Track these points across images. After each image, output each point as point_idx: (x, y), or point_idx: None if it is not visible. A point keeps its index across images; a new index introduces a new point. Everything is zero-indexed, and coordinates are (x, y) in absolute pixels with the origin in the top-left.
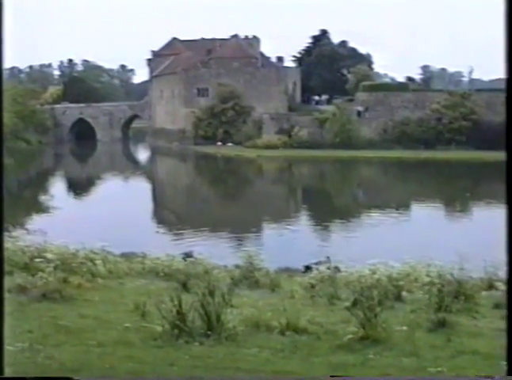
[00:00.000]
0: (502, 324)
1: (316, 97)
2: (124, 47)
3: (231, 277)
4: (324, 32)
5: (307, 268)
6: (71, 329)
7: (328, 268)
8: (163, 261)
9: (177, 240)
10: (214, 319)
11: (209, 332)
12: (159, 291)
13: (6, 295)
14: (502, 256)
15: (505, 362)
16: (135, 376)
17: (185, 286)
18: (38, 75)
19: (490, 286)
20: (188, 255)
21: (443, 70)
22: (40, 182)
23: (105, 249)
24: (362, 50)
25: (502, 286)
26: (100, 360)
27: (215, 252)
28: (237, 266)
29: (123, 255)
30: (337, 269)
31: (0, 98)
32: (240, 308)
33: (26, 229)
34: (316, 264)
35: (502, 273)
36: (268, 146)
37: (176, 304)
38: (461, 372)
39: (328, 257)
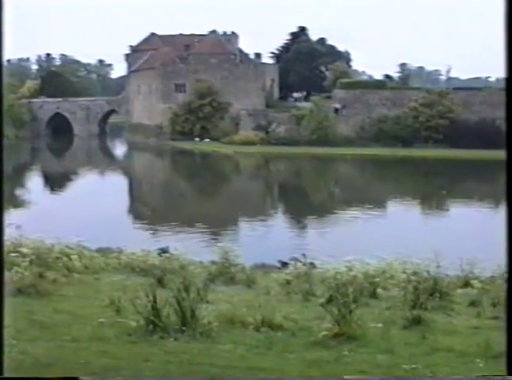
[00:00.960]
0: (477, 322)
1: (294, 94)
2: (102, 41)
3: (207, 273)
4: (303, 29)
5: (284, 264)
6: (46, 324)
7: (304, 265)
8: (139, 256)
9: (154, 235)
10: (189, 315)
11: (184, 328)
12: (135, 287)
13: None
14: (478, 254)
15: (479, 360)
16: (135, 376)
17: (160, 282)
18: (16, 69)
19: (466, 284)
20: (164, 250)
21: (421, 68)
22: (17, 177)
23: (80, 244)
24: (340, 47)
25: (478, 284)
26: (74, 355)
27: (191, 247)
28: (213, 262)
29: (99, 250)
30: (312, 265)
31: (0, 98)
32: (215, 304)
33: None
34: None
35: (478, 271)
36: (245, 143)
37: (151, 299)
38: (435, 369)
39: (304, 255)
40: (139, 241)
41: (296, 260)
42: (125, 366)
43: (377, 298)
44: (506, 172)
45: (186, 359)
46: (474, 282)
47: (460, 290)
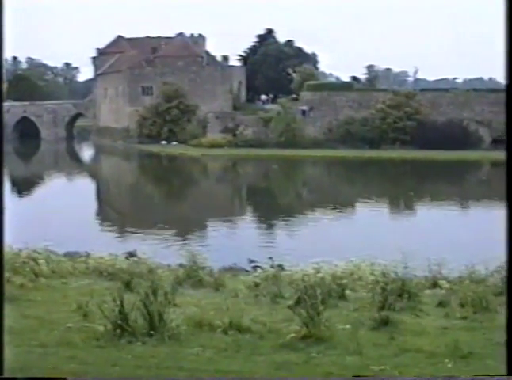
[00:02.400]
0: (446, 323)
1: (262, 97)
2: (69, 44)
3: (175, 276)
4: (270, 32)
5: (253, 265)
6: (13, 330)
7: (272, 267)
8: (107, 260)
9: (121, 239)
10: (156, 318)
11: (152, 332)
12: (102, 291)
13: None
14: (446, 255)
15: (448, 360)
16: (135, 376)
17: (128, 286)
18: None
19: (434, 285)
20: (131, 254)
21: (388, 69)
22: None
23: (48, 249)
24: (308, 49)
25: (446, 285)
26: (42, 361)
27: (158, 251)
28: (181, 265)
29: (66, 254)
30: (281, 268)
31: (0, 98)
32: (183, 307)
33: None
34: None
35: (446, 271)
36: (212, 145)
37: (118, 304)
38: (403, 370)
39: (271, 258)
40: (106, 245)
41: (261, 263)
42: (93, 371)
43: (345, 300)
44: (506, 173)
45: (154, 362)
46: (442, 282)
47: (428, 291)
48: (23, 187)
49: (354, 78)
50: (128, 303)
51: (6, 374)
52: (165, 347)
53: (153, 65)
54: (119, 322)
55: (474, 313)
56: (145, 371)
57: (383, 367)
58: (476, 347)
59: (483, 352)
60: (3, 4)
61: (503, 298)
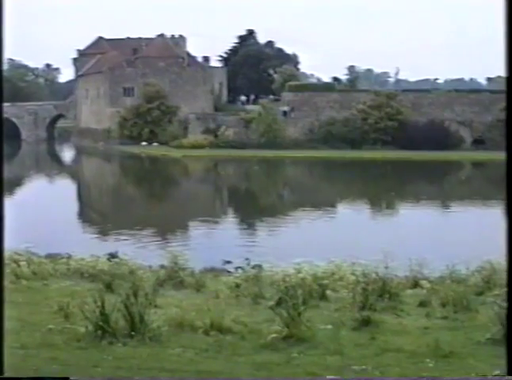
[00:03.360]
0: (427, 322)
1: (243, 97)
2: (50, 45)
3: (156, 277)
4: (251, 32)
5: (228, 265)
6: None
7: (253, 268)
8: (88, 262)
9: (103, 240)
10: (138, 320)
11: (133, 333)
12: (84, 292)
13: None
14: (427, 255)
15: (429, 360)
16: (135, 376)
17: (109, 287)
18: None
19: (415, 285)
20: (113, 255)
21: (369, 70)
22: None
23: (29, 250)
24: (289, 50)
25: (427, 285)
26: (23, 362)
27: (140, 252)
28: (162, 266)
29: (48, 256)
30: (261, 268)
31: (0, 98)
32: (164, 308)
33: None
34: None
35: (427, 271)
36: (194, 146)
37: (99, 305)
38: (385, 370)
39: (247, 259)
40: (88, 246)
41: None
42: (74, 373)
43: (327, 300)
44: (506, 172)
45: (135, 363)
46: (423, 282)
47: (409, 291)
48: (4, 188)
49: (335, 79)
50: (109, 304)
51: None
52: (146, 348)
53: (134, 66)
54: (100, 323)
55: (455, 313)
56: (126, 372)
57: (364, 367)
58: (457, 347)
59: (464, 352)
60: (3, 4)
61: (484, 298)
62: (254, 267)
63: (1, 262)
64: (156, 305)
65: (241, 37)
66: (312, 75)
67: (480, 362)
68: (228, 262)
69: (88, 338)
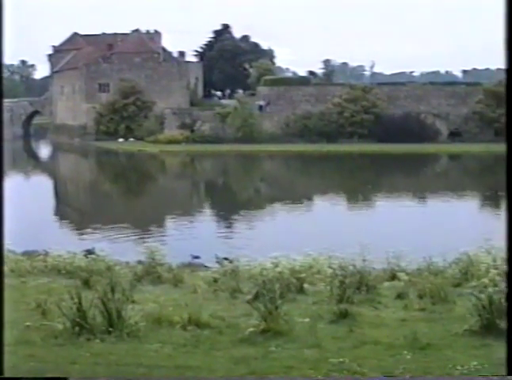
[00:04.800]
0: (404, 314)
1: (219, 93)
2: (25, 41)
3: (133, 273)
4: (226, 27)
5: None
6: None
7: (230, 262)
8: (65, 259)
9: (80, 236)
10: (115, 316)
11: (111, 329)
12: (61, 289)
13: None
14: (404, 247)
15: (407, 352)
16: (136, 376)
17: (86, 284)
18: None
19: (393, 277)
20: (90, 252)
21: (344, 64)
22: None
23: (6, 248)
24: (264, 45)
25: (405, 277)
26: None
27: (117, 248)
28: (139, 262)
29: (25, 253)
30: (239, 262)
31: (0, 98)
32: (142, 304)
33: None
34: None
35: (404, 263)
36: (170, 141)
37: (76, 301)
38: (362, 362)
39: (216, 255)
40: (65, 243)
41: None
42: (52, 370)
43: (304, 294)
44: (506, 172)
45: (113, 359)
46: (401, 274)
47: (386, 283)
48: None
49: (311, 73)
50: (87, 301)
51: None
52: (124, 344)
53: (109, 61)
54: (77, 320)
55: (432, 305)
56: (104, 369)
57: (341, 360)
58: (435, 339)
59: (442, 343)
60: (3, 4)
61: (461, 290)
62: (231, 262)
63: (1, 262)
64: (134, 301)
65: (216, 32)
66: (288, 69)
67: (458, 353)
68: (196, 257)
69: (65, 335)
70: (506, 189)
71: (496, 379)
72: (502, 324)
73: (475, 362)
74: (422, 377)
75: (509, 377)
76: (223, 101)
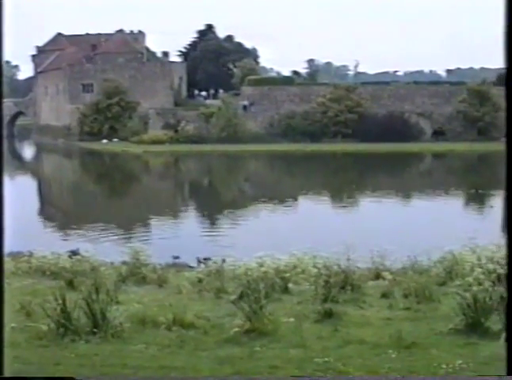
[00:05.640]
0: (389, 314)
1: (203, 93)
2: (9, 42)
3: (118, 274)
4: (210, 27)
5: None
6: None
7: (215, 262)
8: (50, 260)
9: (64, 237)
10: (99, 317)
11: (95, 330)
12: (45, 290)
13: None
14: (388, 246)
15: (392, 351)
16: (138, 376)
17: (71, 285)
18: None
19: (378, 276)
20: (74, 252)
21: (328, 63)
22: None
23: None
24: (248, 44)
25: (389, 276)
26: None
27: (102, 248)
28: (124, 262)
29: (9, 254)
30: (224, 262)
31: (0, 98)
32: (127, 305)
33: None
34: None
35: (389, 262)
36: (154, 142)
37: (60, 303)
38: (347, 362)
39: (198, 258)
40: (49, 244)
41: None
42: (36, 371)
43: (289, 293)
44: (506, 172)
45: (98, 360)
46: (385, 273)
47: (371, 283)
48: None
49: (295, 73)
50: (71, 302)
51: None
52: (108, 345)
53: (93, 62)
54: (62, 321)
55: (417, 304)
56: (89, 370)
57: (326, 359)
58: (420, 338)
59: (427, 342)
60: (3, 3)
61: (446, 288)
62: (216, 262)
63: (1, 262)
64: (118, 302)
65: (200, 32)
66: (272, 69)
67: (443, 352)
68: (176, 257)
69: (50, 336)
70: (506, 189)
71: (496, 379)
72: (487, 322)
73: (460, 361)
74: (422, 377)
75: (509, 377)
76: (207, 101)
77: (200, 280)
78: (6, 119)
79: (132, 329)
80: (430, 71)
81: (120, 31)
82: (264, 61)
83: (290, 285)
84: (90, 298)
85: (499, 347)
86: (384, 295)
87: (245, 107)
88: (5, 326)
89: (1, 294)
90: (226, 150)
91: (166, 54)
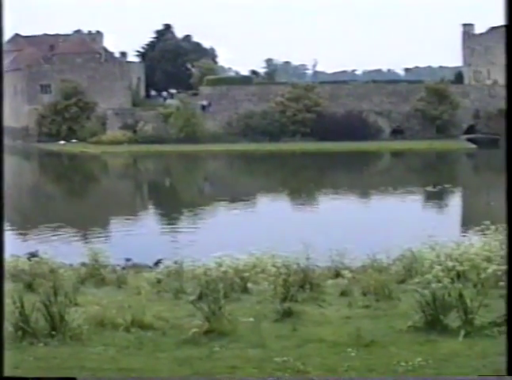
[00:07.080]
0: (349, 312)
1: (164, 93)
2: None
3: (77, 275)
4: (168, 27)
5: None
6: None
7: (175, 263)
8: (8, 262)
9: (23, 239)
10: (58, 319)
11: (53, 333)
12: (3, 293)
13: None
14: (348, 244)
15: (351, 349)
16: (138, 376)
17: (30, 287)
18: None
19: (337, 275)
20: (33, 254)
21: (287, 63)
22: None
23: None
24: (206, 44)
25: (349, 274)
26: None
27: (61, 250)
28: (83, 264)
29: None
30: (182, 263)
31: (0, 98)
32: (85, 306)
33: None
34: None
35: (348, 261)
36: (112, 142)
37: (18, 305)
38: (306, 361)
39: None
40: (7, 246)
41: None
42: None
43: (248, 293)
44: (506, 171)
45: (56, 363)
46: (345, 272)
47: (330, 281)
48: None
49: (253, 72)
50: (30, 304)
51: None
52: (67, 348)
53: (51, 62)
54: (20, 324)
55: (376, 302)
56: (46, 372)
57: (285, 359)
58: (379, 336)
59: (386, 340)
60: (3, 3)
61: (405, 286)
62: (176, 262)
63: (1, 262)
64: (77, 304)
65: (158, 32)
66: (230, 69)
67: (402, 350)
68: (128, 259)
69: (8, 339)
70: (506, 189)
71: (496, 379)
72: (446, 320)
73: (419, 359)
74: (421, 377)
75: (509, 377)
76: (166, 101)
77: (159, 281)
78: None
79: (91, 331)
80: (388, 70)
81: (78, 31)
82: (222, 60)
83: (249, 285)
84: (49, 300)
85: (458, 343)
86: (344, 294)
87: (203, 107)
88: (4, 326)
89: (1, 294)
90: (185, 150)
91: (124, 54)
